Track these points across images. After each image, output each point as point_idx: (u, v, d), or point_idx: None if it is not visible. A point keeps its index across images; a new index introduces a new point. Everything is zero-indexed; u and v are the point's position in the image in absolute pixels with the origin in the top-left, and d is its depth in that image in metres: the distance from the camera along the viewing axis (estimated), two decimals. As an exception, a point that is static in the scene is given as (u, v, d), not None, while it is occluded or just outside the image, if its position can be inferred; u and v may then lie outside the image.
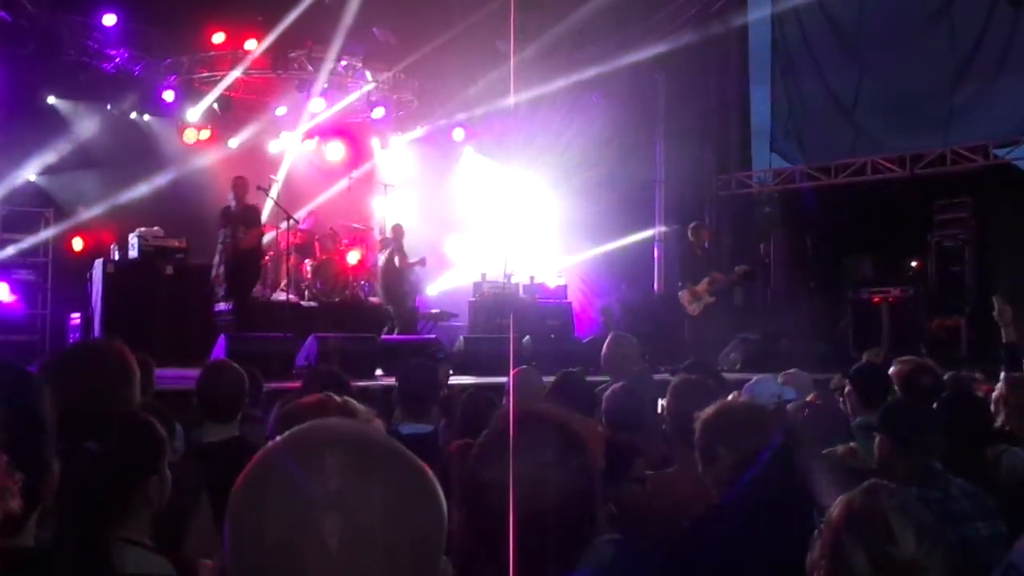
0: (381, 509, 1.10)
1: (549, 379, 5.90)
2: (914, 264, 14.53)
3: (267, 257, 13.89)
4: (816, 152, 15.73)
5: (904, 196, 14.22)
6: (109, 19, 13.99)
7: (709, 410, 3.42)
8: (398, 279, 13.21)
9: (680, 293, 12.46)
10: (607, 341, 6.88)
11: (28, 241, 13.79)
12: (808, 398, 5.31)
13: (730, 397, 5.21)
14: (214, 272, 12.27)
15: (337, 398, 2.63)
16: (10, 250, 13.60)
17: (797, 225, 15.88)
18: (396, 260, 13.17)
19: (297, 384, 7.83)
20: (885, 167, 14.56)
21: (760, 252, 15.91)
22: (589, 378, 5.75)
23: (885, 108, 14.77)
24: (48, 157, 14.20)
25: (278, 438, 1.19)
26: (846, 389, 5.60)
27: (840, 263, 15.07)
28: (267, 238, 14.72)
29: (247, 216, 12.09)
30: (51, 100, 14.64)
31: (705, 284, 12.15)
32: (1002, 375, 5.38)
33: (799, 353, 12.51)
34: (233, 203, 12.12)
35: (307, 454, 1.12)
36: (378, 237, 14.60)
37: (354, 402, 2.65)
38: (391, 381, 7.85)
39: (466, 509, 2.02)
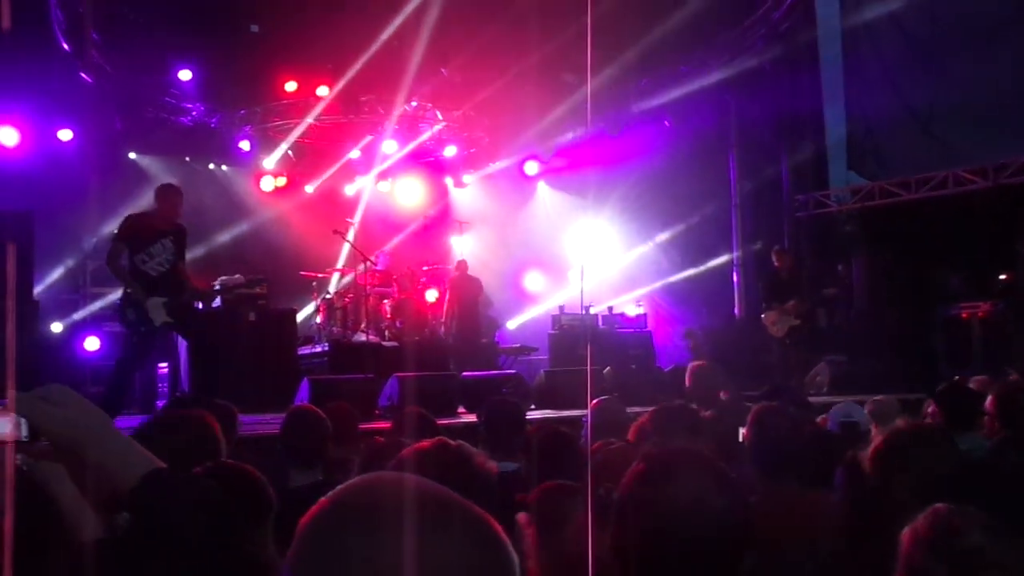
0: (465, 571, 1.05)
1: (634, 410, 5.83)
2: (1003, 277, 14.12)
3: (347, 299, 14.05)
4: (895, 167, 15.39)
5: (989, 207, 13.83)
6: (184, 75, 14.38)
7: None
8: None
9: (764, 315, 12.36)
10: (688, 372, 6.82)
11: (115, 294, 14.11)
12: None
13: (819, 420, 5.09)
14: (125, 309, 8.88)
15: (451, 442, 2.52)
16: (99, 303, 13.95)
17: (879, 243, 15.56)
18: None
19: (383, 424, 7.90)
20: (967, 179, 14.20)
21: (840, 272, 15.63)
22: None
23: (963, 118, 14.40)
24: (131, 212, 14.57)
25: (335, 494, 1.11)
26: (930, 410, 5.41)
27: (926, 279, 14.70)
28: (346, 280, 14.88)
29: (182, 242, 8.99)
30: (132, 156, 15.06)
31: (792, 305, 12.08)
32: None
33: (887, 374, 12.23)
34: (156, 216, 9.08)
35: (376, 514, 1.06)
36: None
37: (468, 446, 2.54)
38: (472, 418, 7.84)
39: (621, 534, 2.05)
